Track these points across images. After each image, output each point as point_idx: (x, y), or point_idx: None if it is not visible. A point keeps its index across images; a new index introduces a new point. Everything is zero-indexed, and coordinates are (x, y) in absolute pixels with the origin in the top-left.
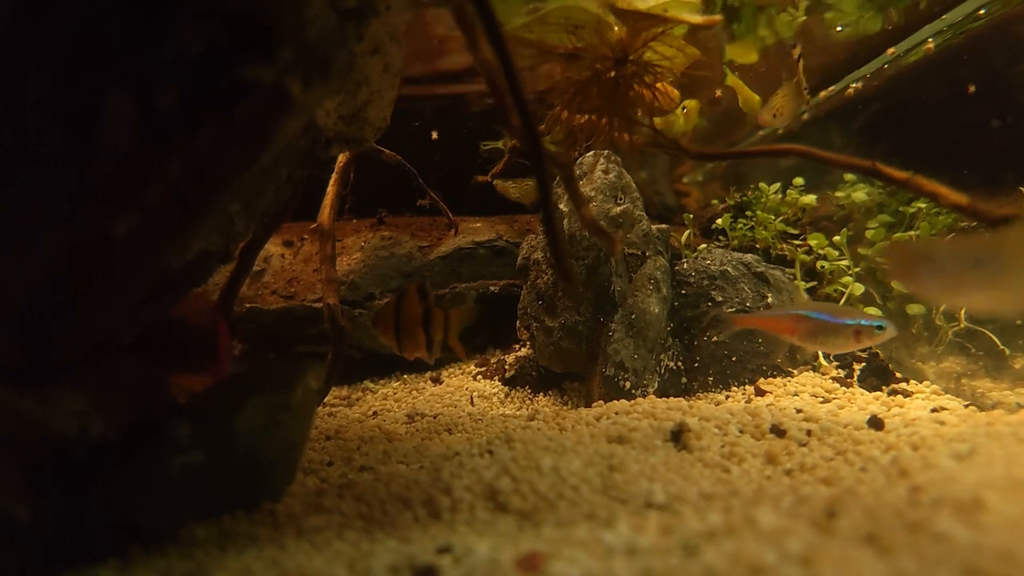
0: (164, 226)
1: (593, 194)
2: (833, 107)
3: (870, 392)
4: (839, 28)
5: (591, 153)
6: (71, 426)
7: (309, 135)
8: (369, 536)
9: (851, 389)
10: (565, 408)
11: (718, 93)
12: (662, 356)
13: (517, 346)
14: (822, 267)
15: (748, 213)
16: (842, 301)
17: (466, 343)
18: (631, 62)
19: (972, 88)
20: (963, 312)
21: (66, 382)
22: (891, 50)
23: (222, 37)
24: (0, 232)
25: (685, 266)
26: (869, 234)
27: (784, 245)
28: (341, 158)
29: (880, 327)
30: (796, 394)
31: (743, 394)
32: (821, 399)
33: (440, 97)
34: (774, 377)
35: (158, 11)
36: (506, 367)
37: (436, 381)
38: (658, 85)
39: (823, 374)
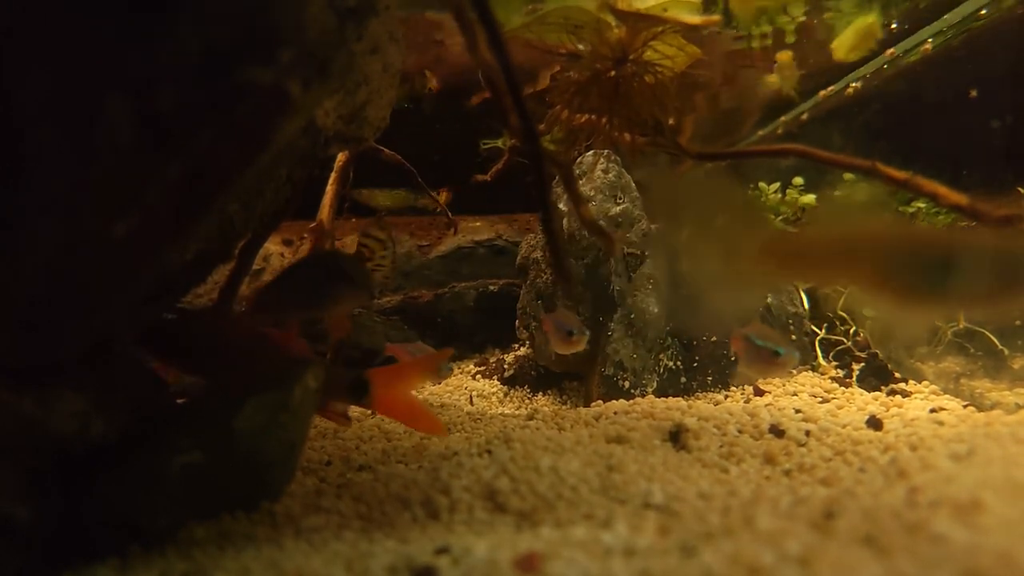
0: (164, 226)
1: (592, 193)
2: (833, 107)
3: (869, 392)
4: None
5: (591, 152)
6: (71, 426)
7: (308, 135)
8: (367, 536)
9: (850, 389)
10: (564, 408)
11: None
12: (661, 356)
13: (516, 345)
14: None
15: None
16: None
17: (465, 342)
18: (631, 61)
19: (973, 93)
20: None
21: (66, 382)
22: (891, 51)
23: (222, 38)
24: (0, 232)
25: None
26: None
27: None
28: (340, 157)
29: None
30: (795, 394)
31: (742, 394)
32: (820, 399)
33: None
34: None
35: (158, 11)
36: (505, 366)
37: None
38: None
39: (822, 374)
